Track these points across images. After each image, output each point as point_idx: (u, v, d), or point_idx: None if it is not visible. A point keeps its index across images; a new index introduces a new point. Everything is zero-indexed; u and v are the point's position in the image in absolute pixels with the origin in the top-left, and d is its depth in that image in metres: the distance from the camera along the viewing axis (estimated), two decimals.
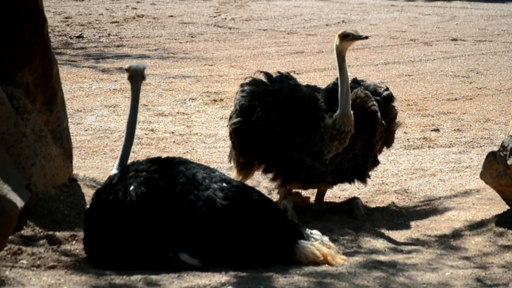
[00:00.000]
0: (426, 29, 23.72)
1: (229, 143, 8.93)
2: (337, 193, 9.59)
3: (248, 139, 8.62)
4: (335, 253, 7.26)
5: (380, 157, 9.14)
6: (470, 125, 13.06)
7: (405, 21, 25.29)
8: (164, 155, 7.60)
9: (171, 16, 25.27)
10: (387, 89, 8.96)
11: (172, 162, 7.27)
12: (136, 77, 7.45)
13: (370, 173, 8.90)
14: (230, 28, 23.29)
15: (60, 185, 8.02)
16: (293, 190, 9.20)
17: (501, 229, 8.10)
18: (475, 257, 7.57)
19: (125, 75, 7.57)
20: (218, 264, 6.88)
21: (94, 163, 10.55)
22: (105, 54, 18.83)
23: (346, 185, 9.45)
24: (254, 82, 8.74)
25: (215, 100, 14.49)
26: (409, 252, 7.68)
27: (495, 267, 7.24)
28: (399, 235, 8.20)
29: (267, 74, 8.82)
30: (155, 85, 15.58)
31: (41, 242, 7.20)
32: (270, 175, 8.78)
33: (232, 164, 9.00)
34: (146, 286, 6.54)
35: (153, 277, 6.67)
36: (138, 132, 11.96)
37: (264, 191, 9.08)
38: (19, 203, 6.66)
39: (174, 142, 11.89)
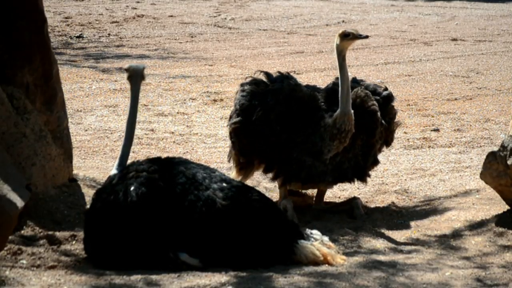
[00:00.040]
0: (426, 29, 23.72)
1: (229, 143, 8.93)
2: (337, 193, 9.59)
3: (248, 138, 8.62)
4: (335, 253, 7.26)
5: (380, 157, 9.14)
6: (470, 125, 13.06)
7: (405, 21, 25.29)
8: (164, 155, 7.60)
9: (171, 16, 25.27)
10: (386, 89, 8.97)
11: (172, 162, 7.27)
12: (136, 77, 7.45)
13: (370, 172, 8.90)
14: (230, 28, 23.29)
15: (60, 185, 8.02)
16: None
17: (501, 229, 8.10)
18: (475, 257, 7.57)
19: (125, 75, 7.57)
20: (218, 264, 6.88)
21: (94, 163, 10.56)
22: (105, 54, 18.83)
23: (346, 185, 9.46)
24: (254, 82, 8.74)
25: (215, 100, 14.49)
26: (409, 252, 7.68)
27: (495, 267, 7.24)
28: (399, 235, 8.20)
29: (267, 74, 8.83)
30: (155, 85, 15.58)
31: (41, 242, 7.20)
32: (270, 175, 8.78)
33: (232, 164, 9.00)
34: (146, 286, 6.54)
35: (153, 277, 6.67)
36: (138, 132, 11.97)
37: (264, 191, 9.09)
38: (19, 203, 6.66)
39: (174, 142, 11.89)
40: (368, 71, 17.36)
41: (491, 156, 8.20)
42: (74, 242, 7.30)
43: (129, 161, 7.34)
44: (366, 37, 8.60)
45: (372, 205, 9.19)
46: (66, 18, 23.99)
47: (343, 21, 24.71)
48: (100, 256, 6.98)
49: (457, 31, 23.26)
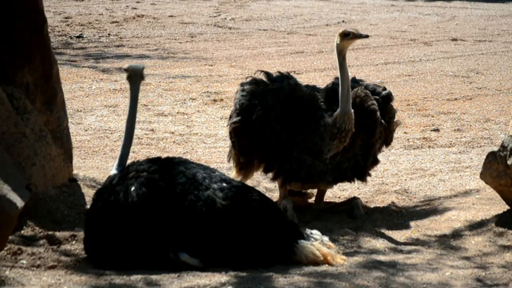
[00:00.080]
0: (426, 29, 23.72)
1: (229, 143, 8.93)
2: (337, 193, 9.59)
3: (248, 138, 8.62)
4: (335, 253, 7.26)
5: (380, 157, 9.14)
6: (470, 125, 13.06)
7: (405, 21, 25.29)
8: (164, 155, 7.60)
9: (171, 16, 25.27)
10: (385, 88, 8.98)
11: (172, 162, 7.27)
12: (135, 77, 7.44)
13: (370, 172, 8.90)
14: (230, 28, 23.29)
15: (60, 185, 8.01)
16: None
17: (501, 229, 8.10)
18: (475, 257, 7.57)
19: (124, 75, 7.56)
20: (218, 264, 6.88)
21: (94, 163, 10.56)
22: (105, 54, 18.83)
23: (346, 185, 9.46)
24: (254, 82, 8.74)
25: (215, 100, 14.49)
26: (409, 252, 7.68)
27: (495, 267, 7.24)
28: (399, 235, 8.20)
29: (267, 74, 8.83)
30: (155, 85, 15.58)
31: (41, 242, 7.20)
32: (270, 175, 8.78)
33: (232, 164, 9.00)
34: (146, 286, 6.54)
35: (153, 277, 6.67)
36: (138, 132, 11.98)
37: (264, 191, 9.09)
38: (19, 203, 6.66)
39: (174, 142, 11.89)
40: (368, 71, 17.36)
41: (491, 156, 8.20)
42: (74, 242, 7.30)
43: (129, 161, 7.34)
44: (366, 36, 8.60)
45: (372, 205, 9.19)
46: (66, 18, 24.00)
47: (343, 21, 24.71)
48: (100, 256, 6.98)
49: (457, 31, 23.26)
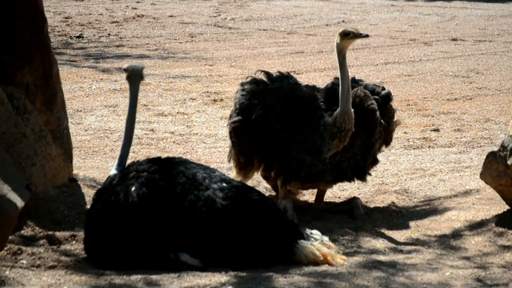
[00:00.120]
0: (426, 29, 23.72)
1: (229, 143, 8.93)
2: (337, 193, 9.59)
3: (248, 138, 8.63)
4: (335, 253, 7.26)
5: (380, 157, 9.14)
6: (470, 125, 13.06)
7: (405, 21, 25.29)
8: (164, 155, 7.60)
9: (171, 16, 25.27)
10: (384, 88, 8.98)
11: (172, 162, 7.27)
12: (135, 77, 7.44)
13: (370, 172, 8.90)
14: (230, 28, 23.29)
15: (60, 185, 8.01)
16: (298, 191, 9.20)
17: (501, 229, 8.10)
18: (475, 257, 7.57)
19: (124, 75, 7.56)
20: (218, 264, 6.88)
21: (94, 163, 10.55)
22: (105, 54, 18.83)
23: (346, 185, 9.46)
24: (254, 81, 8.75)
25: (215, 100, 14.49)
26: (409, 252, 7.68)
27: (495, 267, 7.24)
28: (399, 235, 8.20)
29: (267, 74, 8.83)
30: (155, 85, 15.58)
31: (41, 242, 7.20)
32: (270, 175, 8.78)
33: (232, 164, 9.00)
34: (146, 286, 6.54)
35: (153, 277, 6.67)
36: (138, 132, 11.98)
37: (264, 191, 9.09)
38: (19, 203, 6.66)
39: (174, 142, 11.89)
40: (368, 71, 17.36)
41: (491, 156, 8.20)
42: (74, 242, 7.30)
43: (129, 161, 7.34)
44: (367, 36, 8.60)
45: (372, 205, 9.19)
46: (66, 18, 24.00)
47: (343, 21, 24.71)
48: (100, 256, 6.98)
49: (457, 31, 23.26)
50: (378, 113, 8.66)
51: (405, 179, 10.16)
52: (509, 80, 16.47)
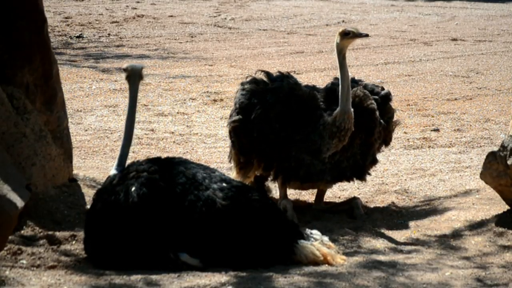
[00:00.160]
0: (426, 29, 23.72)
1: (229, 143, 8.93)
2: (337, 193, 9.59)
3: (247, 137, 8.63)
4: (335, 253, 7.25)
5: (380, 157, 9.14)
6: (470, 125, 13.06)
7: (405, 21, 25.29)
8: (164, 155, 7.60)
9: (171, 16, 25.27)
10: (383, 88, 8.99)
11: (172, 162, 7.27)
12: (134, 76, 7.44)
13: (369, 172, 8.90)
14: (230, 28, 23.29)
15: (60, 185, 8.01)
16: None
17: (501, 229, 8.10)
18: (475, 257, 7.56)
19: (123, 75, 7.56)
20: (218, 264, 6.88)
21: (94, 163, 10.56)
22: (105, 54, 18.84)
23: (346, 185, 9.46)
24: (254, 81, 8.76)
25: (215, 100, 14.49)
26: (409, 252, 7.68)
27: (495, 267, 7.23)
28: (399, 235, 8.20)
29: (267, 73, 8.84)
30: (155, 85, 15.58)
31: (41, 242, 7.20)
32: (270, 175, 8.78)
33: (232, 164, 9.01)
34: (146, 286, 6.54)
35: (153, 277, 6.67)
36: (138, 132, 11.98)
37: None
38: (19, 203, 6.66)
39: (174, 142, 11.89)
40: (368, 71, 17.36)
41: (491, 156, 8.20)
42: (74, 242, 7.30)
43: (129, 161, 7.34)
44: (366, 35, 8.60)
45: (372, 205, 9.19)
46: (66, 18, 24.00)
47: (343, 21, 24.71)
48: (100, 256, 6.98)
49: (457, 31, 23.26)
50: (377, 113, 8.66)
51: (405, 179, 10.16)
52: (509, 80, 16.47)
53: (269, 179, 8.90)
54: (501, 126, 12.93)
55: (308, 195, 9.47)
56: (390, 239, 8.05)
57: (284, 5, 28.45)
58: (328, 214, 8.83)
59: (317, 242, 7.21)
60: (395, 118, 9.02)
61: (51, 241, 7.25)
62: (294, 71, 16.66)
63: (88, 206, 7.61)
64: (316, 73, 17.06)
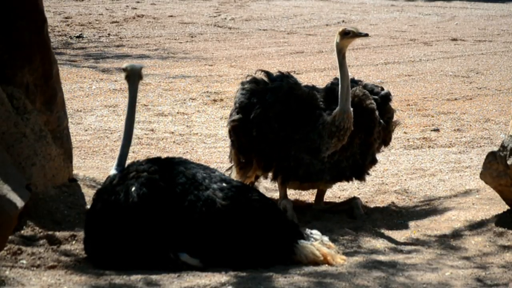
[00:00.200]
0: (426, 29, 23.72)
1: (229, 143, 8.94)
2: (337, 193, 9.59)
3: (247, 136, 8.63)
4: (335, 253, 7.25)
5: (380, 157, 9.14)
6: (470, 125, 13.06)
7: (405, 21, 25.29)
8: (164, 155, 7.59)
9: (171, 16, 25.27)
10: (383, 88, 8.99)
11: (172, 162, 7.27)
12: (133, 76, 7.44)
13: (369, 171, 8.90)
14: (230, 28, 23.29)
15: (60, 185, 8.01)
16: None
17: (501, 229, 8.10)
18: (475, 257, 7.56)
19: (123, 75, 7.56)
20: (218, 264, 6.88)
21: (94, 163, 10.55)
22: (105, 54, 18.84)
23: (346, 185, 9.46)
24: (254, 80, 8.76)
25: (215, 100, 14.49)
26: (409, 252, 7.68)
27: (495, 267, 7.23)
28: (399, 235, 8.20)
29: (267, 73, 8.85)
30: (155, 85, 15.58)
31: (41, 242, 7.20)
32: (269, 175, 8.78)
33: (232, 164, 9.01)
34: (146, 286, 6.54)
35: (153, 277, 6.67)
36: (138, 132, 11.99)
37: (264, 191, 9.08)
38: (19, 203, 6.66)
39: (174, 142, 11.89)
40: (368, 71, 17.36)
41: (491, 156, 8.20)
42: (74, 242, 7.30)
43: (129, 161, 7.34)
44: (366, 35, 8.60)
45: (372, 205, 9.19)
46: (66, 18, 24.00)
47: (343, 21, 24.71)
48: (100, 256, 6.98)
49: (457, 31, 23.26)
50: (377, 112, 8.66)
51: (405, 179, 10.16)
52: (509, 80, 16.47)
53: (269, 179, 8.90)
54: (501, 126, 12.93)
55: (308, 195, 9.47)
56: (390, 239, 8.05)
57: (284, 5, 28.45)
58: (328, 214, 8.83)
59: (317, 242, 7.21)
60: (395, 118, 9.03)
61: (51, 241, 7.25)
62: (294, 71, 16.66)
63: (88, 206, 7.61)
64: (316, 73, 17.06)
